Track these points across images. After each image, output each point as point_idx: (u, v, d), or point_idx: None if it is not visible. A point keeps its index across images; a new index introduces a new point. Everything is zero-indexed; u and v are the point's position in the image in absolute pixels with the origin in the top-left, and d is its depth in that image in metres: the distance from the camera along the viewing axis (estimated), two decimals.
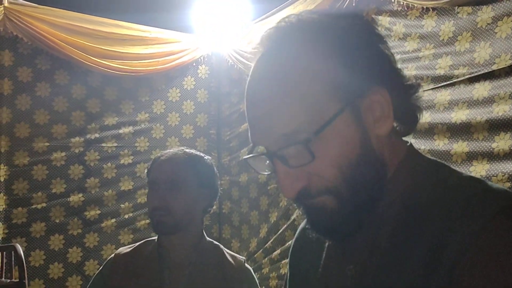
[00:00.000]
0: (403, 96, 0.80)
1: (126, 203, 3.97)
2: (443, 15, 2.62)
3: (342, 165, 0.74)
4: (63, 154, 3.79)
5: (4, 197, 3.56)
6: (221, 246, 1.83)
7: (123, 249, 1.82)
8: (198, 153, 1.81)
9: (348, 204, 0.76)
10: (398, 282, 0.72)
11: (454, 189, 0.74)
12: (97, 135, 3.91)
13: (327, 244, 0.88)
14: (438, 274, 0.68)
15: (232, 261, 1.78)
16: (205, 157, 1.81)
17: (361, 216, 0.78)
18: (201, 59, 4.34)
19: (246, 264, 1.81)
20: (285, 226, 3.56)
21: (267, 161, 0.83)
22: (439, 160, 0.83)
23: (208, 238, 1.82)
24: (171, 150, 1.79)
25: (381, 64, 0.77)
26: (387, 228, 0.78)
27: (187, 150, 1.79)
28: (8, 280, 3.03)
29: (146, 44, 4.02)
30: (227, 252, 1.82)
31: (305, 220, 1.00)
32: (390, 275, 0.74)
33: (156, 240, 1.77)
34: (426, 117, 2.57)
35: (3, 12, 3.48)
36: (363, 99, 0.75)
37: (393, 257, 0.74)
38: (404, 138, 0.85)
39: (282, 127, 0.74)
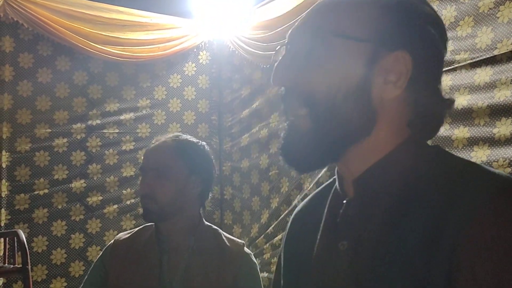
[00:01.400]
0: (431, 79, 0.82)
1: (128, 189, 3.98)
2: (445, 0, 2.60)
3: (331, 86, 0.76)
4: (65, 140, 3.80)
5: (6, 183, 3.58)
6: (220, 230, 1.84)
7: (122, 235, 1.83)
8: (191, 139, 1.81)
9: (320, 130, 0.77)
10: (394, 260, 0.72)
11: (454, 171, 0.75)
12: (98, 121, 3.92)
13: (322, 223, 0.88)
14: (439, 253, 0.68)
15: (231, 245, 1.79)
16: (198, 143, 1.80)
17: (329, 151, 0.79)
18: (202, 45, 4.32)
19: (245, 248, 1.81)
20: (287, 211, 3.58)
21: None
22: (439, 146, 0.83)
23: (206, 223, 1.83)
24: (162, 137, 1.79)
25: (410, 31, 0.78)
26: (384, 205, 0.78)
27: (180, 136, 1.79)
28: (11, 266, 3.05)
29: (146, 30, 4.00)
30: (226, 236, 1.82)
31: (300, 204, 1.01)
32: (386, 253, 0.74)
33: (154, 226, 1.78)
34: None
35: None
36: (386, 54, 0.77)
37: (390, 235, 0.74)
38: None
39: None
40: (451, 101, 0.84)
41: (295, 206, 3.47)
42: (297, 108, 0.80)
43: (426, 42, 0.79)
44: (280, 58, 0.83)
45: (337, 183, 0.89)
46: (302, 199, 3.38)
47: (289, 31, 0.86)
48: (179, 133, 1.84)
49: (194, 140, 1.81)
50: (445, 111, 0.84)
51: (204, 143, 1.84)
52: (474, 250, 0.65)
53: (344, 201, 0.84)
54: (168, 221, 1.72)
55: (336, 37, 0.78)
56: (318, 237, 0.87)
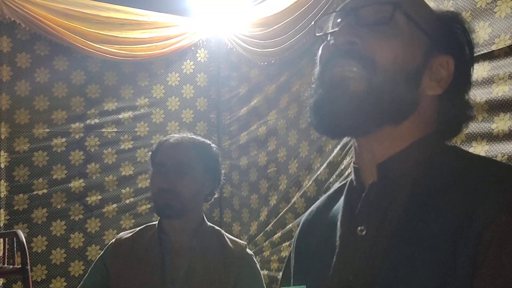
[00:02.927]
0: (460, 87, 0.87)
1: (127, 188, 3.98)
2: None
3: (396, 62, 0.80)
4: (63, 140, 3.79)
5: (5, 183, 3.57)
6: (222, 231, 1.84)
7: (124, 234, 1.83)
8: (206, 141, 1.83)
9: (375, 96, 0.79)
10: (416, 246, 0.74)
11: (478, 166, 0.78)
12: (97, 121, 3.91)
13: (340, 214, 0.89)
14: (466, 242, 0.69)
15: (233, 246, 1.78)
16: (211, 145, 1.83)
17: (372, 118, 0.80)
18: (200, 43, 4.32)
19: (247, 249, 1.81)
20: (285, 209, 3.57)
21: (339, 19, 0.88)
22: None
23: (209, 223, 1.83)
24: (178, 135, 1.80)
25: (456, 42, 0.86)
26: (404, 195, 0.80)
27: (194, 136, 1.81)
28: (11, 266, 3.05)
29: (144, 29, 4.00)
30: (228, 237, 1.82)
31: (310, 208, 1.01)
32: (407, 238, 0.75)
33: (156, 225, 1.78)
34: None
35: None
36: (437, 54, 0.84)
37: (412, 221, 0.76)
38: None
39: None
40: (472, 117, 0.89)
41: (294, 204, 3.47)
42: (351, 68, 0.80)
43: (464, 50, 0.87)
44: (344, 21, 0.85)
45: (353, 176, 0.90)
46: (301, 197, 3.39)
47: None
48: (189, 133, 1.84)
49: (208, 142, 1.83)
50: (465, 122, 0.89)
51: (215, 145, 1.86)
52: (501, 240, 0.67)
53: (368, 185, 0.85)
54: (182, 218, 1.71)
55: (406, 18, 0.82)
56: (338, 227, 0.88)
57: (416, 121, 0.83)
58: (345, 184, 0.94)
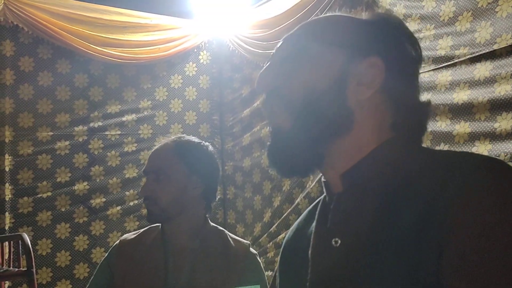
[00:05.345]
0: (407, 78, 0.87)
1: (131, 191, 3.99)
2: None
3: (307, 86, 0.84)
4: (67, 143, 3.81)
5: (10, 187, 3.59)
6: (226, 231, 1.84)
7: (128, 236, 1.84)
8: (193, 139, 1.81)
9: (300, 127, 0.83)
10: (387, 251, 0.74)
11: (435, 161, 0.79)
12: (100, 123, 3.92)
13: (314, 227, 0.90)
14: (428, 237, 0.70)
15: (237, 246, 1.78)
16: (200, 143, 1.80)
17: (311, 149, 0.84)
18: (202, 45, 4.33)
19: (251, 249, 1.81)
20: (289, 210, 3.58)
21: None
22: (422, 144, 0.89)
23: (212, 224, 1.83)
24: (165, 139, 1.81)
25: (384, 41, 0.86)
26: (371, 198, 0.80)
27: (182, 138, 1.80)
28: (16, 269, 3.06)
29: (147, 31, 4.01)
30: (232, 237, 1.82)
31: (296, 221, 1.03)
32: (378, 244, 0.75)
33: (160, 227, 1.79)
34: (427, 98, 2.57)
35: (2, 1, 3.47)
36: (361, 59, 0.84)
37: (381, 227, 0.76)
38: None
39: None
40: (428, 103, 0.89)
41: (298, 205, 3.48)
42: (278, 112, 0.86)
43: (397, 48, 0.87)
44: (266, 65, 0.91)
45: (324, 191, 0.92)
46: (305, 198, 3.40)
47: (279, 42, 0.94)
48: (182, 135, 1.84)
49: (196, 140, 1.81)
50: (426, 113, 0.89)
51: (207, 143, 1.84)
52: (460, 226, 0.68)
53: (334, 197, 0.87)
54: (172, 222, 1.72)
55: (319, 43, 0.86)
56: (312, 240, 0.89)
57: (364, 129, 0.84)
58: (319, 202, 0.95)
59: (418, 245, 0.70)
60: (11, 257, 3.22)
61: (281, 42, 0.93)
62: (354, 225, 0.81)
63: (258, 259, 1.81)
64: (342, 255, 0.81)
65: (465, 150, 2.36)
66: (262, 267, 1.82)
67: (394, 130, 0.86)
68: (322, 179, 0.92)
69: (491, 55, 2.36)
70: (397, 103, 0.86)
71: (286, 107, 0.84)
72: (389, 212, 0.77)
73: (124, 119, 4.02)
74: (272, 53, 0.93)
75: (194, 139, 1.82)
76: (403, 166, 0.81)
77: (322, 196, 0.94)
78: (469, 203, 0.68)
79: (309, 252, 0.87)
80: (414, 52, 0.88)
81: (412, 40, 0.88)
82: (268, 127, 3.82)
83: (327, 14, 0.94)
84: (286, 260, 1.00)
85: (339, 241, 0.82)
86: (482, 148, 2.35)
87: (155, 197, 1.69)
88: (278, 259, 1.05)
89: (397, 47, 0.86)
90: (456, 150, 2.36)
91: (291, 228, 1.04)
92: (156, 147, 1.78)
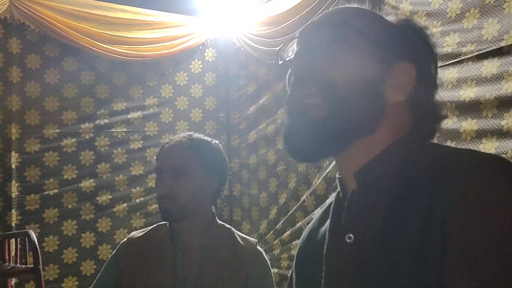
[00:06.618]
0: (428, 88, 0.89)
1: (137, 188, 4.00)
2: None
3: (349, 79, 0.82)
4: (74, 140, 3.82)
5: (17, 184, 3.60)
6: (233, 229, 1.84)
7: (136, 233, 1.84)
8: (205, 138, 1.81)
9: (336, 118, 0.82)
10: (399, 248, 0.74)
11: (439, 156, 0.80)
12: (106, 121, 3.93)
13: (328, 225, 0.91)
14: (432, 228, 0.70)
15: (244, 244, 1.79)
16: (212, 142, 1.81)
17: (339, 139, 0.83)
18: (207, 42, 4.33)
19: (258, 247, 1.82)
20: (295, 207, 3.58)
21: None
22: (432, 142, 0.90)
23: (219, 221, 1.84)
24: (177, 136, 1.80)
25: (415, 49, 0.88)
26: (383, 195, 0.81)
27: (194, 136, 1.80)
28: (23, 266, 3.07)
29: (152, 29, 4.02)
30: (239, 235, 1.83)
31: (311, 221, 1.03)
32: (391, 243, 0.76)
33: (168, 225, 1.79)
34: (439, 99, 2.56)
35: None
36: (396, 62, 0.86)
37: (394, 226, 0.77)
38: None
39: None
40: (444, 117, 0.91)
41: (303, 202, 3.48)
42: (311, 96, 0.83)
43: (425, 57, 0.89)
44: (298, 48, 0.89)
45: (339, 188, 0.93)
46: (311, 195, 3.40)
47: (305, 26, 0.92)
48: (191, 132, 1.84)
49: (208, 138, 1.82)
50: (438, 122, 0.90)
51: (217, 141, 1.85)
52: (461, 221, 0.68)
53: (348, 194, 0.87)
54: (186, 220, 1.72)
55: (356, 33, 0.85)
56: (326, 237, 0.89)
57: (387, 127, 0.85)
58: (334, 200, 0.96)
59: (425, 243, 0.71)
60: (18, 254, 3.23)
61: (310, 26, 0.91)
62: (367, 222, 0.82)
63: (265, 256, 1.82)
64: (355, 251, 0.82)
65: (471, 147, 2.36)
66: (269, 265, 1.83)
67: (407, 128, 0.87)
68: (337, 175, 0.93)
69: (498, 52, 2.35)
70: (416, 106, 0.87)
71: (323, 92, 0.82)
72: (400, 209, 0.77)
73: (130, 116, 4.02)
74: (303, 33, 0.90)
75: (206, 137, 1.82)
76: (412, 164, 0.82)
77: (335, 194, 0.95)
78: (469, 198, 0.69)
79: (324, 249, 0.88)
80: (432, 56, 0.90)
81: (431, 44, 0.91)
82: (273, 125, 3.82)
83: (356, 6, 0.93)
84: (302, 260, 1.01)
85: (352, 237, 0.83)
86: (489, 145, 2.35)
87: (174, 195, 1.69)
88: (294, 255, 1.05)
89: (425, 55, 0.88)
90: (463, 147, 2.35)
91: (306, 229, 1.04)
92: (168, 145, 1.77)
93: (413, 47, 0.87)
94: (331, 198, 0.97)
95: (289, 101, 0.87)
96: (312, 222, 1.03)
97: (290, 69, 0.89)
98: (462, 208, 0.68)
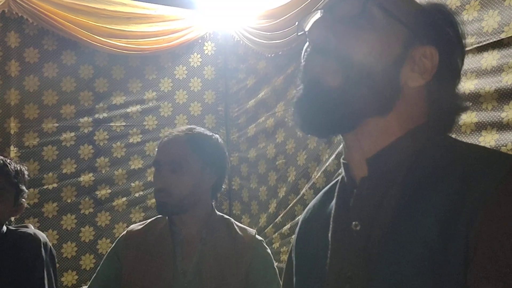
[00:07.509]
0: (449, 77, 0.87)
1: (137, 182, 4.00)
2: None
3: (371, 55, 0.80)
4: (72, 134, 3.81)
5: None
6: (232, 220, 1.85)
7: (135, 226, 1.84)
8: (205, 132, 1.81)
9: (351, 89, 0.79)
10: (408, 239, 0.73)
11: (467, 155, 0.77)
12: (105, 115, 3.92)
13: (333, 210, 0.89)
14: (456, 232, 0.69)
15: (243, 234, 1.80)
16: (212, 136, 1.81)
17: (352, 114, 0.81)
18: (206, 36, 4.32)
19: (257, 236, 1.82)
20: (295, 201, 3.58)
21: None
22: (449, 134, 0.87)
23: (218, 213, 1.84)
24: (176, 130, 1.79)
25: (441, 34, 0.86)
26: (395, 188, 0.80)
27: (194, 130, 1.79)
28: None
29: (151, 22, 4.00)
30: (238, 225, 1.83)
31: (308, 206, 1.01)
32: (400, 236, 0.75)
33: (167, 218, 1.79)
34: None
35: None
36: (419, 45, 0.83)
37: (404, 215, 0.76)
38: None
39: None
40: (465, 108, 0.89)
41: (303, 195, 3.47)
42: (328, 66, 0.81)
43: (450, 42, 0.86)
44: (318, 18, 0.87)
45: (343, 173, 0.91)
46: (310, 188, 3.39)
47: None
48: (191, 126, 1.84)
49: (208, 132, 1.81)
50: (458, 113, 0.88)
51: (217, 135, 1.84)
52: (492, 228, 0.67)
53: (358, 180, 0.85)
54: (185, 213, 1.72)
55: (381, 10, 0.83)
56: (331, 223, 0.88)
57: (402, 112, 0.83)
58: (336, 183, 0.94)
59: (441, 238, 0.70)
60: None
61: None
62: (376, 212, 0.80)
63: (265, 245, 1.82)
64: (362, 239, 0.80)
65: (471, 140, 2.35)
66: (270, 253, 1.83)
67: (422, 118, 0.85)
68: (342, 160, 0.90)
69: (499, 44, 2.34)
70: (435, 95, 0.85)
71: (340, 64, 0.80)
72: (413, 202, 0.76)
73: (129, 110, 4.01)
74: (323, 8, 0.88)
75: (205, 131, 1.82)
76: (429, 156, 0.80)
77: (340, 177, 0.93)
78: (502, 205, 0.67)
79: (329, 235, 0.87)
80: (459, 44, 0.88)
81: (460, 33, 0.88)
82: (273, 118, 3.81)
83: None
84: (303, 241, 0.99)
85: (359, 225, 0.81)
86: (489, 138, 2.34)
87: (170, 189, 1.69)
88: (293, 238, 1.04)
89: (451, 43, 0.86)
90: (463, 140, 2.35)
91: (306, 209, 1.03)
92: (167, 138, 1.77)
93: (439, 32, 0.85)
94: (337, 179, 0.96)
95: (305, 69, 0.85)
96: (312, 202, 1.02)
97: (307, 40, 0.87)
98: (494, 216, 0.67)
